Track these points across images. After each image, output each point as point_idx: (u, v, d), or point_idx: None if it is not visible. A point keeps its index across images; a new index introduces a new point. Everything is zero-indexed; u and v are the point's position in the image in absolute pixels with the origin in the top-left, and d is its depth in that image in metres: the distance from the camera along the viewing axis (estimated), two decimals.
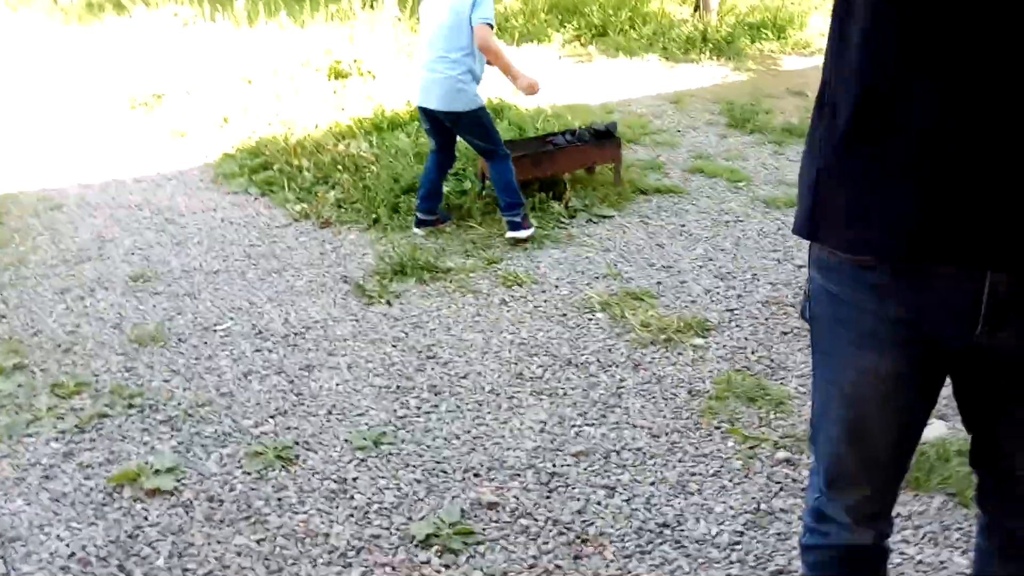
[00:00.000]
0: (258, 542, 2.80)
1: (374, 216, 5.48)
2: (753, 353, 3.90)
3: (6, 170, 6.50)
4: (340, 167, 6.13)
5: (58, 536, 2.79)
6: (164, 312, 4.33)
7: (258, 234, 5.35)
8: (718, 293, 4.50)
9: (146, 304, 4.42)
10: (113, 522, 2.87)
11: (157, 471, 3.11)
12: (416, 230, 5.30)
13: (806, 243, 1.72)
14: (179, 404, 3.55)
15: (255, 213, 5.73)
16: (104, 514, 2.91)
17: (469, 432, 3.38)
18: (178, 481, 3.07)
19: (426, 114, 5.03)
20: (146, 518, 2.90)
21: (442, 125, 5.04)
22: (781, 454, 3.20)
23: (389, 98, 7.46)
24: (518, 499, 2.99)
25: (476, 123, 4.95)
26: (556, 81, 8.42)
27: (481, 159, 5.37)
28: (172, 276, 4.76)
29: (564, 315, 4.29)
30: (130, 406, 3.53)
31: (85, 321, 4.23)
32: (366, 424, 3.43)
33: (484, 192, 5.61)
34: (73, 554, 2.72)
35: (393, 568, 2.70)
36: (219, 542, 2.80)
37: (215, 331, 4.16)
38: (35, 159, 6.82)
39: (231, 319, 4.27)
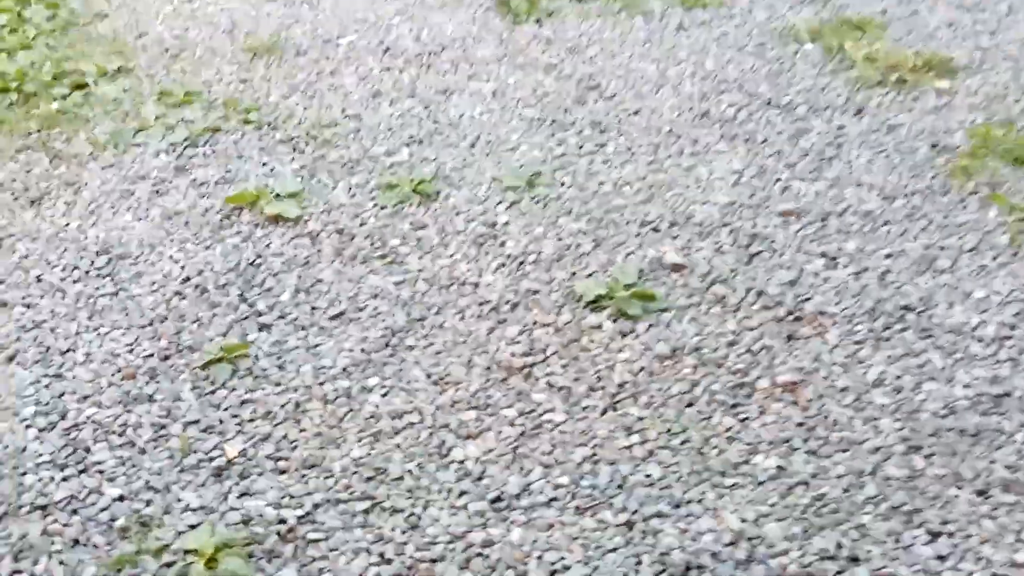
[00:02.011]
0: (396, 284, 2.38)
1: None
2: (1017, 103, 3.21)
3: None
4: None
5: (171, 257, 2.40)
6: (279, 21, 3.79)
7: None
8: (963, 27, 3.73)
9: (259, 10, 3.87)
10: (232, 247, 2.47)
11: (279, 195, 2.67)
12: None
13: None
14: (300, 123, 3.07)
15: None
16: (222, 237, 2.50)
17: (644, 179, 2.83)
18: (303, 209, 2.64)
19: None
20: (268, 246, 2.49)
21: None
22: None
23: None
24: (710, 263, 2.47)
25: None
26: None
27: None
28: None
29: (761, 45, 3.61)
30: (246, 122, 3.07)
31: (193, 25, 3.72)
32: (517, 161, 2.91)
33: None
34: (188, 278, 2.33)
35: (557, 330, 2.25)
36: (350, 280, 2.38)
37: (337, 45, 3.61)
38: None
39: (355, 32, 3.71)
